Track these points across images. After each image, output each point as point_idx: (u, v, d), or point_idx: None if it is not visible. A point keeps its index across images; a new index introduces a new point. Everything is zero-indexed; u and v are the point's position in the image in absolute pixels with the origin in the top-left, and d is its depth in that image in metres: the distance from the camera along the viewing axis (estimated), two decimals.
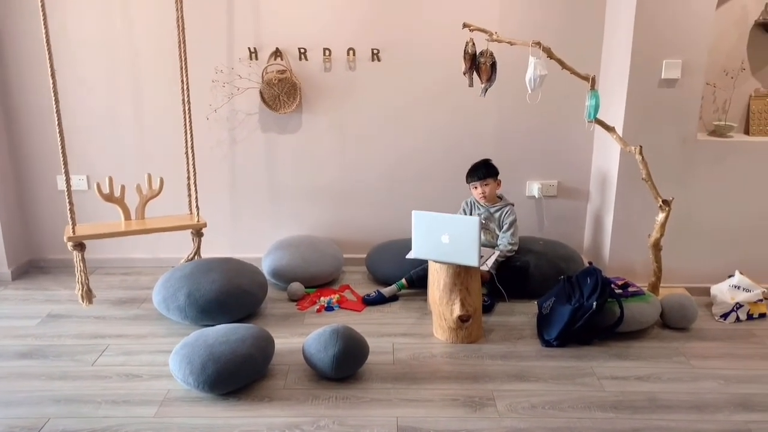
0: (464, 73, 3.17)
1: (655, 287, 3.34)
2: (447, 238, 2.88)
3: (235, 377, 2.55)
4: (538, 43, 2.99)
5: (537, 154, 3.89)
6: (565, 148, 3.88)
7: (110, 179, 3.40)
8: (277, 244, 3.79)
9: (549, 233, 4.01)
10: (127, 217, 3.47)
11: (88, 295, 3.33)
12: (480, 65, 3.14)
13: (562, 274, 3.26)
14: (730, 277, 3.42)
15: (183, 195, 3.63)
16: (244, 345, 2.62)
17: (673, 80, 3.27)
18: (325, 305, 3.41)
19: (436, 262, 2.99)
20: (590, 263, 3.22)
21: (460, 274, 2.93)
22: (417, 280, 3.50)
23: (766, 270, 3.55)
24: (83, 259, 3.29)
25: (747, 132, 3.56)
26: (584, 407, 2.51)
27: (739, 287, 3.32)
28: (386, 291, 3.49)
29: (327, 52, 3.69)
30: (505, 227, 3.49)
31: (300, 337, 3.06)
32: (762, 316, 3.31)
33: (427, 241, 2.95)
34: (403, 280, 3.52)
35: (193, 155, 3.51)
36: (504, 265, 3.42)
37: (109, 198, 3.40)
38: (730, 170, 3.41)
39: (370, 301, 3.45)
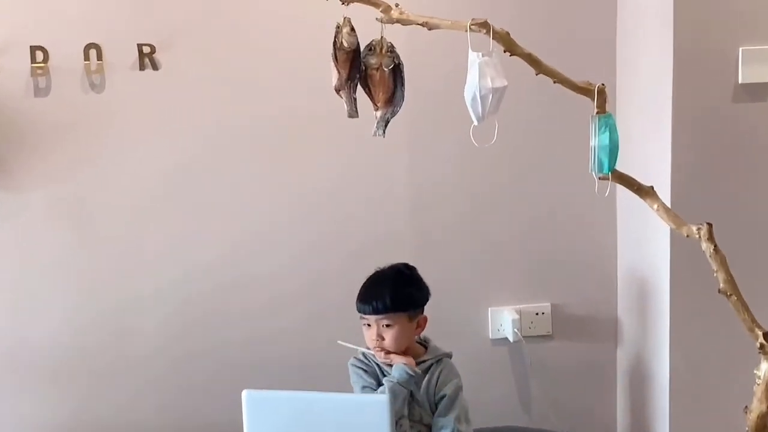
0: (337, 90, 1.89)
1: None
2: None
3: None
4: (484, 24, 1.82)
5: (502, 248, 2.35)
6: (558, 235, 2.35)
7: None
8: None
9: (541, 412, 2.41)
10: None
11: None
12: (369, 72, 1.92)
13: None
14: None
15: None
16: None
17: None
18: None
19: None
20: None
21: None
22: None
23: None
24: None
25: None
26: None
27: None
28: None
29: (41, 55, 2.14)
30: (445, 403, 2.02)
31: None
32: None
33: None
34: None
35: None
36: None
37: None
38: None
39: None
